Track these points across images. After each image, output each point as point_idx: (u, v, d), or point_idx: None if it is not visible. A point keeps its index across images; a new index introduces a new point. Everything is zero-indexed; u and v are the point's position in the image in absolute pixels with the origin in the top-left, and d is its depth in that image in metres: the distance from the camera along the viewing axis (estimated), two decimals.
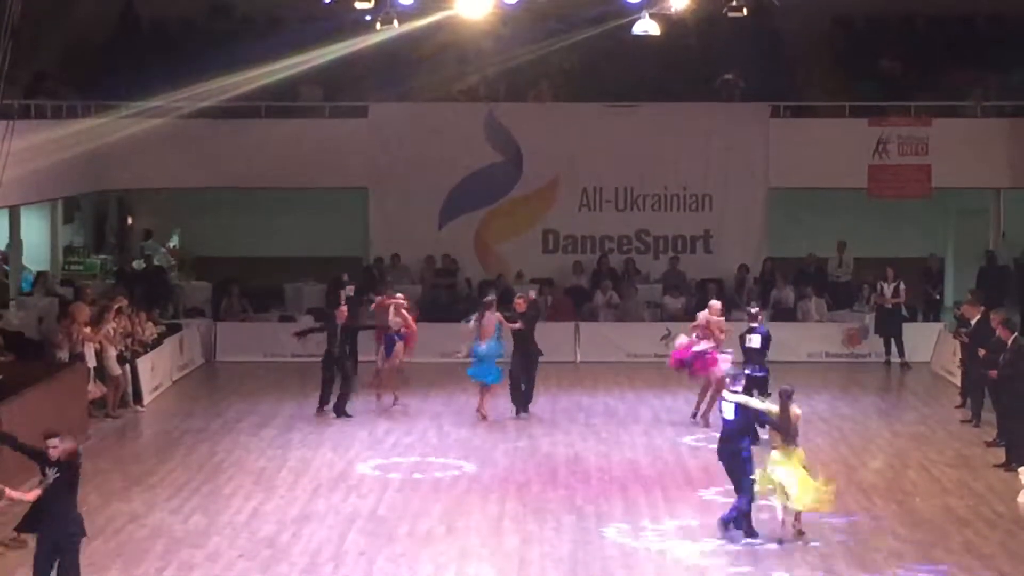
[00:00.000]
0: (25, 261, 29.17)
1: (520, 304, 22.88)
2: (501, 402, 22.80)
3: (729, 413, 16.04)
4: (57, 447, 13.12)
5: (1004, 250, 30.95)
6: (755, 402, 16.36)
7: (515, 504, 17.56)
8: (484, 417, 22.33)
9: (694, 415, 22.33)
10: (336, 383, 22.84)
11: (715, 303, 22.56)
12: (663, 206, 30.88)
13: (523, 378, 22.74)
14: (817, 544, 15.81)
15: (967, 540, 16.02)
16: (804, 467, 16.00)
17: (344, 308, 23.24)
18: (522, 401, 22.80)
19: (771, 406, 16.18)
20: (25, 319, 25.80)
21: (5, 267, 28.62)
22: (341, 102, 30.75)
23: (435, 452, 20.43)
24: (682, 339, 22.19)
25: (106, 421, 22.47)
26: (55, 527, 13.10)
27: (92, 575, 14.42)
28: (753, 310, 22.14)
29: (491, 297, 23.65)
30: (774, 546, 15.73)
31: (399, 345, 23.59)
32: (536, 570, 15.01)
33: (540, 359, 23.08)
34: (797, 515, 16.00)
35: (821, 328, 27.99)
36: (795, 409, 16.09)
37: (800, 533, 15.98)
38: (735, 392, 16.13)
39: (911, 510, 17.30)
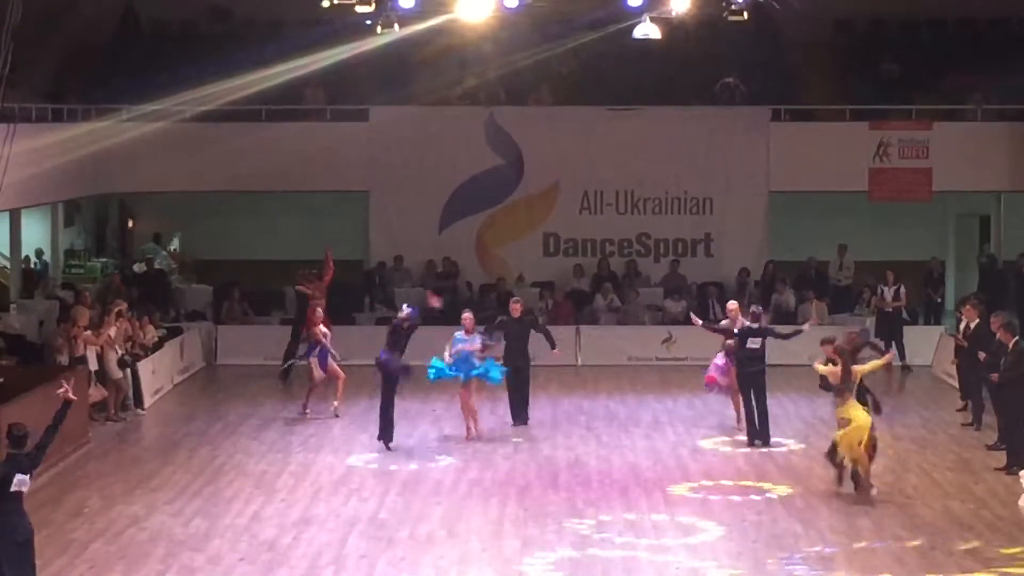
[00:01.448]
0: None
1: (516, 309, 22.61)
2: (502, 406, 22.75)
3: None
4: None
5: (992, 252, 31.05)
6: (821, 368, 18.20)
7: (516, 508, 17.55)
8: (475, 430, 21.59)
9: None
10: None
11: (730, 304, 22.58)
12: (664, 209, 30.92)
13: (519, 388, 22.41)
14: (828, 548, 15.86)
15: (968, 543, 16.00)
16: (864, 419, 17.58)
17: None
18: (522, 411, 22.41)
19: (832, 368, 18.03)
20: (26, 323, 25.83)
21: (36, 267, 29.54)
22: (342, 105, 30.79)
23: (436, 455, 20.43)
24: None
25: (107, 425, 22.48)
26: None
27: None
28: (755, 309, 22.03)
29: (466, 314, 21.82)
30: (774, 548, 15.73)
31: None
32: (537, 574, 15.00)
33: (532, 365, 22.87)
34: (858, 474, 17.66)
35: (822, 331, 27.88)
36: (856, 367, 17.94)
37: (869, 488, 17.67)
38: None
39: (912, 514, 17.29)
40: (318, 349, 23.04)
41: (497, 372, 21.43)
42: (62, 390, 13.17)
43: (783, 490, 18.33)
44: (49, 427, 12.92)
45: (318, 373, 23.04)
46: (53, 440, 13.02)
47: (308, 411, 23.11)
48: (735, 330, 21.35)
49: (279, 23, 31.98)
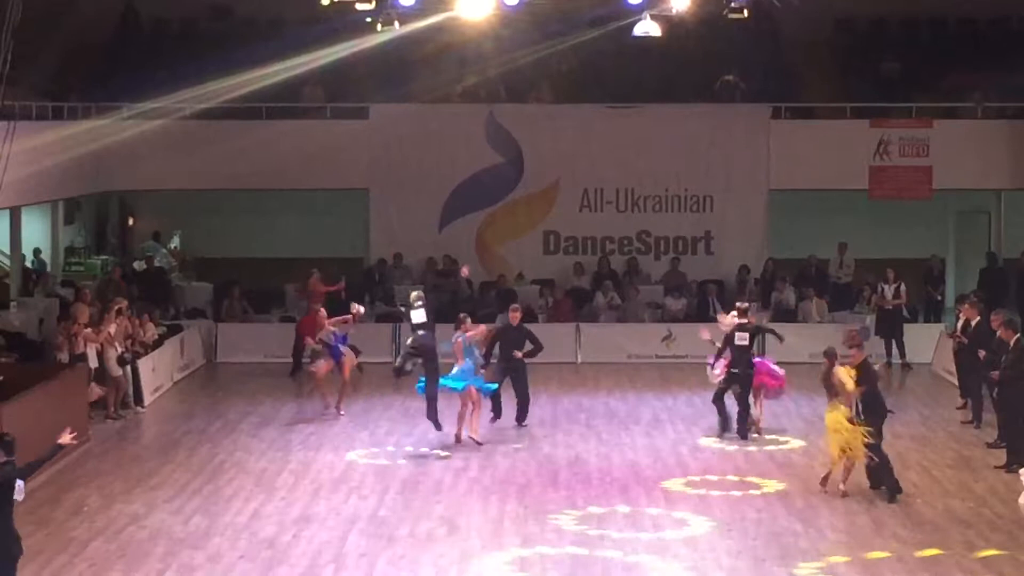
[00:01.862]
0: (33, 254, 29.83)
1: (515, 317, 22.26)
2: (504, 406, 22.69)
3: None
4: None
5: (992, 250, 31.06)
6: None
7: (516, 505, 17.55)
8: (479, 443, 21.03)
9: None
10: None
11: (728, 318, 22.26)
12: (664, 207, 30.93)
13: (515, 388, 22.20)
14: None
15: (968, 541, 16.01)
16: (846, 424, 17.57)
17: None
18: (522, 412, 22.26)
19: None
20: (26, 320, 25.84)
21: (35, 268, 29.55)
22: (342, 103, 30.80)
23: (436, 453, 20.43)
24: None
25: (107, 422, 22.48)
26: None
27: None
28: (741, 305, 21.89)
29: (463, 315, 21.45)
30: (773, 546, 15.73)
31: (346, 352, 23.07)
32: (537, 572, 15.00)
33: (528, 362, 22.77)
34: (845, 474, 17.80)
35: (822, 329, 27.95)
36: (839, 373, 17.82)
37: (844, 494, 17.66)
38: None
39: (912, 512, 17.29)
40: (337, 343, 22.95)
41: (492, 387, 21.40)
42: (62, 439, 13.14)
43: (783, 488, 18.34)
44: (39, 457, 13.03)
45: (322, 368, 23.06)
46: (40, 467, 13.29)
47: (335, 407, 23.05)
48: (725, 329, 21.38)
49: (279, 21, 32.01)
